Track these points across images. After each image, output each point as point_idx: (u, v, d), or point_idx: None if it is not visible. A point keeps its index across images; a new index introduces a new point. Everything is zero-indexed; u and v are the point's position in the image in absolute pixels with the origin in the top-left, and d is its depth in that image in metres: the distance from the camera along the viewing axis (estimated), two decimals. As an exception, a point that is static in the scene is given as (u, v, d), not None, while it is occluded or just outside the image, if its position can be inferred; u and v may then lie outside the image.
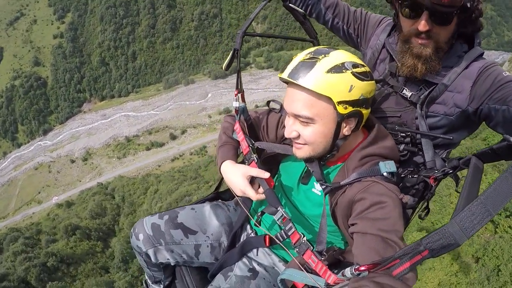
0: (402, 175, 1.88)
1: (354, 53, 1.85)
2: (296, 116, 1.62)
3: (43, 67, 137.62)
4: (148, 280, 2.44)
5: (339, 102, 1.53)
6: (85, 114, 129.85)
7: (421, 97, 1.87)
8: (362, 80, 1.57)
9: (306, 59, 1.57)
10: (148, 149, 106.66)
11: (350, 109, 1.56)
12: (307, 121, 1.59)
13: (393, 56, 1.97)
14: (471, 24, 1.81)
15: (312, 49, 1.64)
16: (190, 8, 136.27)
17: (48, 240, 61.10)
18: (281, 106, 2.12)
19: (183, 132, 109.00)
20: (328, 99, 1.53)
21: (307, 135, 1.63)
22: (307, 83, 1.50)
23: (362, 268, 1.25)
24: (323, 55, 1.56)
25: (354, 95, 1.55)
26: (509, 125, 1.61)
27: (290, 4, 2.35)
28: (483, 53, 1.89)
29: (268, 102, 2.24)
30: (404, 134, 1.92)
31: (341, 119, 1.58)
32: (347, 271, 1.30)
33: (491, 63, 1.82)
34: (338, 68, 1.53)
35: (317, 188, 1.85)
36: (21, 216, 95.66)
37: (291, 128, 1.66)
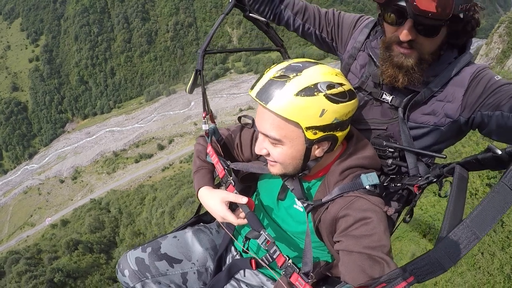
0: (385, 184, 1.85)
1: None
2: (265, 136, 1.55)
3: (22, 91, 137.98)
4: None
5: (308, 128, 1.43)
6: (69, 134, 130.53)
7: (403, 100, 1.75)
8: (337, 102, 1.44)
9: (276, 77, 1.44)
10: (137, 161, 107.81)
11: (320, 134, 1.47)
12: (275, 142, 1.52)
13: (376, 62, 1.83)
14: (465, 35, 1.67)
15: (285, 64, 1.51)
16: (165, 19, 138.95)
17: (50, 257, 61.69)
18: (253, 120, 1.97)
19: (170, 141, 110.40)
20: (296, 123, 1.43)
21: (275, 155, 1.56)
22: (274, 107, 1.39)
23: None
24: (294, 74, 1.43)
25: (326, 120, 1.44)
26: (504, 131, 1.51)
27: (250, 14, 2.27)
28: (472, 56, 1.76)
29: (239, 118, 2.11)
30: (392, 149, 1.85)
31: (310, 144, 1.50)
32: None
33: (482, 67, 1.70)
34: (310, 90, 1.40)
35: (299, 205, 1.79)
36: (15, 240, 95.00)
37: (261, 145, 1.60)
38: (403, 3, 1.46)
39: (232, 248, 2.20)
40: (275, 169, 1.64)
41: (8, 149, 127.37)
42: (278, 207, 1.90)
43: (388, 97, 1.79)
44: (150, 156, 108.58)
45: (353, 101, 1.52)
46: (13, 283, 55.49)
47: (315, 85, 1.41)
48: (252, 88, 1.49)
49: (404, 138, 1.79)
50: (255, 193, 2.13)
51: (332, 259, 1.85)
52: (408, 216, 1.91)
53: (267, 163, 1.74)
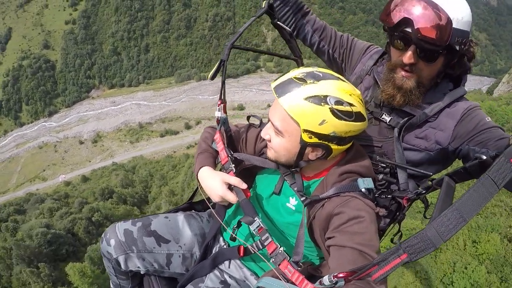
0: (376, 195, 1.94)
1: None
2: (272, 124, 1.67)
3: (53, 50, 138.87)
4: None
5: (305, 130, 1.55)
6: (94, 100, 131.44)
7: (400, 122, 1.93)
8: (340, 119, 1.54)
9: (296, 78, 1.57)
10: (162, 136, 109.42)
11: (315, 140, 1.58)
12: (278, 132, 1.65)
13: (379, 84, 1.99)
14: (460, 67, 1.87)
15: (309, 69, 1.63)
16: (205, 9, 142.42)
17: (80, 202, 62.31)
18: (261, 121, 2.15)
19: (198, 123, 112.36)
20: (298, 123, 1.56)
21: (273, 143, 1.70)
22: (283, 102, 1.53)
23: (341, 275, 1.24)
24: (312, 81, 1.55)
25: (324, 130, 1.55)
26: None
27: (278, 22, 2.31)
28: (466, 92, 1.97)
29: (248, 117, 2.27)
30: (384, 165, 1.98)
31: (304, 145, 1.62)
32: (325, 279, 1.26)
33: (474, 105, 1.91)
34: (318, 100, 1.52)
35: (292, 203, 1.86)
36: (23, 192, 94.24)
37: (267, 131, 1.73)
38: (409, 29, 1.67)
39: (221, 238, 2.23)
40: (270, 153, 1.78)
41: (29, 103, 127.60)
42: (272, 201, 1.97)
43: (387, 118, 1.96)
44: (176, 133, 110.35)
45: (358, 123, 1.62)
46: (41, 218, 55.50)
47: (325, 96, 1.53)
48: (275, 80, 1.65)
49: (398, 155, 1.95)
50: (252, 188, 2.16)
51: (319, 262, 1.94)
52: (398, 238, 2.13)
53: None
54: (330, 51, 2.34)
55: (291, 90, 1.54)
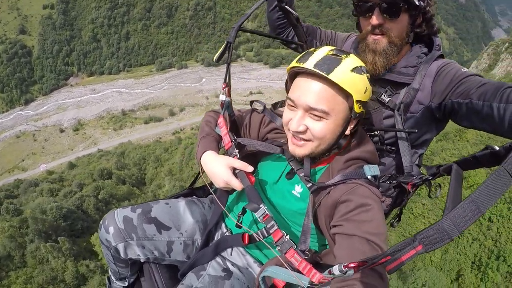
0: (381, 181, 1.98)
1: None
2: (310, 109, 1.58)
3: (29, 36, 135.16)
4: (112, 277, 2.28)
5: (357, 101, 1.58)
6: (72, 87, 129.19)
7: (397, 103, 1.99)
8: (371, 84, 1.65)
9: (331, 54, 1.57)
10: (146, 123, 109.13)
11: (362, 109, 1.62)
12: (322, 115, 1.57)
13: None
14: (426, 25, 1.98)
15: (331, 47, 1.66)
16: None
17: (78, 184, 62.50)
18: (264, 106, 2.11)
19: (182, 110, 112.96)
20: (347, 97, 1.57)
21: (317, 130, 1.60)
22: (335, 77, 1.50)
23: (352, 265, 1.19)
24: (345, 55, 1.58)
25: (367, 97, 1.63)
26: (473, 117, 1.71)
27: (286, 6, 2.32)
28: (442, 55, 2.04)
29: (251, 102, 2.20)
30: (372, 133, 2.03)
31: (354, 117, 1.63)
32: (335, 269, 1.21)
33: (449, 61, 1.98)
34: (359, 70, 1.57)
35: (297, 190, 1.82)
36: (2, 182, 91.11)
37: (299, 122, 1.61)
38: None
39: (223, 225, 2.15)
40: (303, 149, 1.67)
41: (4, 91, 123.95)
42: (277, 188, 1.90)
43: (386, 98, 2.03)
44: (160, 120, 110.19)
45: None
46: (41, 197, 55.57)
47: (361, 67, 1.60)
48: (301, 62, 1.59)
49: (399, 133, 2.03)
50: (255, 174, 2.07)
51: (320, 249, 1.87)
52: (396, 220, 2.18)
53: (281, 145, 1.90)
54: (318, 43, 2.53)
55: (337, 65, 1.53)
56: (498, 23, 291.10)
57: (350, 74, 1.54)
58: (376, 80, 2.02)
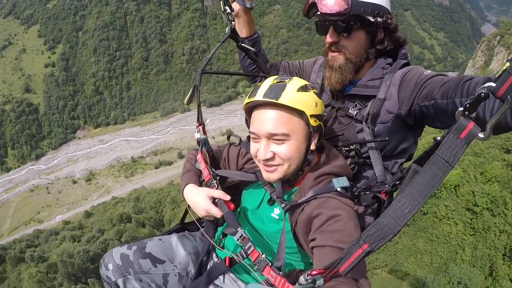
0: (356, 193, 2.02)
1: None
2: (271, 136, 1.69)
3: (34, 94, 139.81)
4: None
5: (312, 115, 1.68)
6: (80, 140, 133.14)
7: (364, 114, 2.03)
8: (319, 98, 1.77)
9: (276, 82, 1.71)
10: (156, 167, 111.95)
11: (318, 122, 1.72)
12: (283, 138, 1.68)
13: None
14: (389, 40, 2.00)
15: (275, 76, 1.80)
16: (180, 43, 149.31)
17: (99, 229, 64.65)
18: (240, 139, 2.26)
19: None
20: (300, 115, 1.67)
21: (283, 152, 1.70)
22: (285, 100, 1.62)
23: (314, 272, 1.24)
24: (288, 79, 1.72)
25: (319, 110, 1.73)
26: (442, 116, 1.72)
27: (242, 44, 2.51)
28: (408, 63, 2.06)
29: (228, 136, 2.35)
30: (348, 148, 2.09)
31: (313, 131, 1.73)
32: (301, 278, 1.27)
33: (413, 67, 1.99)
34: (304, 88, 1.70)
35: (275, 213, 1.93)
36: (20, 235, 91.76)
37: (265, 150, 1.71)
38: (316, 11, 1.92)
39: (214, 254, 2.27)
40: (276, 173, 1.77)
41: (14, 147, 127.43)
42: (258, 213, 2.04)
43: (353, 112, 2.09)
44: (170, 163, 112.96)
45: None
46: (65, 243, 57.12)
47: (305, 85, 1.74)
48: (252, 96, 1.73)
49: (368, 139, 2.05)
50: (239, 203, 2.26)
51: (305, 267, 1.96)
52: None
53: (256, 173, 2.02)
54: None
55: (283, 89, 1.66)
56: (486, 19, 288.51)
57: (297, 94, 1.66)
58: (345, 96, 2.15)
